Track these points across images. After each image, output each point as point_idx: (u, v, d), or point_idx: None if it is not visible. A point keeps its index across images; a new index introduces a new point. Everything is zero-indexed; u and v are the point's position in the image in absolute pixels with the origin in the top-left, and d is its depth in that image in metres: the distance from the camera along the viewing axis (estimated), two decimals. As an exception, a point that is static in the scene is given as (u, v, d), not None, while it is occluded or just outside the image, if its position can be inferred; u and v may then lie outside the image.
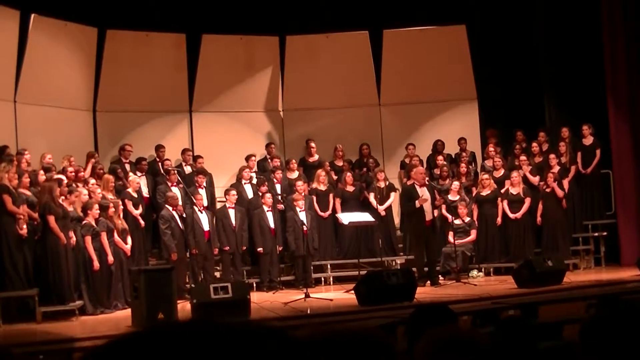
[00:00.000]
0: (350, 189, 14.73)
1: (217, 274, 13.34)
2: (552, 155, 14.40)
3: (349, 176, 14.76)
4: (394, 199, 14.80)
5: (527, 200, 14.03)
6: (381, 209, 14.54)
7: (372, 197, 14.64)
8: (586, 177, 14.69)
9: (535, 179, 14.38)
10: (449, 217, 13.92)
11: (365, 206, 14.61)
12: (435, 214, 13.49)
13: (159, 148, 14.85)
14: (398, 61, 16.14)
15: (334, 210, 14.49)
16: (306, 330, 1.55)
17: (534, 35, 15.91)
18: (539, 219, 14.08)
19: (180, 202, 13.14)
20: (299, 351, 1.14)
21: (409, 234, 13.93)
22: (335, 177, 15.12)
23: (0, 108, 13.36)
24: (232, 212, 13.50)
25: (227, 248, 13.34)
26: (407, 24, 16.06)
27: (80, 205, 11.61)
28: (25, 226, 10.75)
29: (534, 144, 15.00)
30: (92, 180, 12.59)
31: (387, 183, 14.88)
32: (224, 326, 1.14)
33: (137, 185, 13.32)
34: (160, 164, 14.64)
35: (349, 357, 1.55)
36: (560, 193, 13.97)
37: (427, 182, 13.21)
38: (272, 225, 13.71)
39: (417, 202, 12.78)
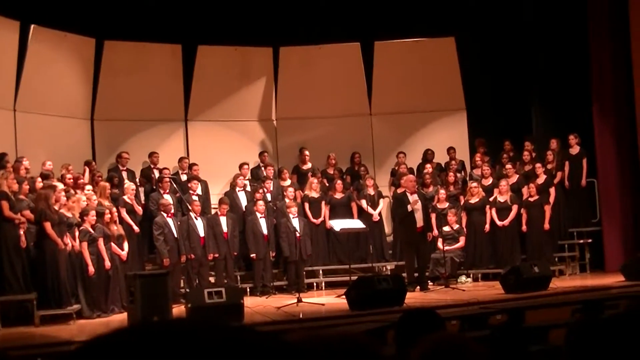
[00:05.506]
0: (338, 196, 14.87)
1: (212, 279, 13.41)
2: (538, 165, 14.62)
3: (339, 184, 14.90)
4: (383, 205, 15.01)
5: (515, 208, 14.12)
6: (375, 213, 14.70)
7: (364, 203, 14.76)
8: (572, 186, 14.90)
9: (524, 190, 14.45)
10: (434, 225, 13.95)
11: (354, 213, 14.78)
12: (433, 222, 13.77)
13: (152, 154, 14.94)
14: (389, 72, 16.29)
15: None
16: (295, 335, 1.56)
17: (521, 46, 16.07)
18: (524, 227, 14.22)
19: (173, 210, 13.22)
20: (289, 354, 1.13)
21: (401, 240, 13.97)
22: (327, 185, 15.23)
23: (0, 116, 13.47)
24: (223, 220, 13.58)
25: (217, 255, 13.38)
26: (398, 36, 16.20)
27: (79, 211, 11.66)
28: (22, 232, 10.76)
29: (525, 153, 15.13)
30: (89, 187, 12.62)
31: (377, 190, 15.05)
32: (216, 326, 1.11)
33: (132, 191, 13.41)
34: (154, 170, 14.72)
35: None
36: (548, 212, 14.16)
37: (417, 190, 13.39)
38: (265, 231, 13.82)
39: (409, 206, 12.90)
